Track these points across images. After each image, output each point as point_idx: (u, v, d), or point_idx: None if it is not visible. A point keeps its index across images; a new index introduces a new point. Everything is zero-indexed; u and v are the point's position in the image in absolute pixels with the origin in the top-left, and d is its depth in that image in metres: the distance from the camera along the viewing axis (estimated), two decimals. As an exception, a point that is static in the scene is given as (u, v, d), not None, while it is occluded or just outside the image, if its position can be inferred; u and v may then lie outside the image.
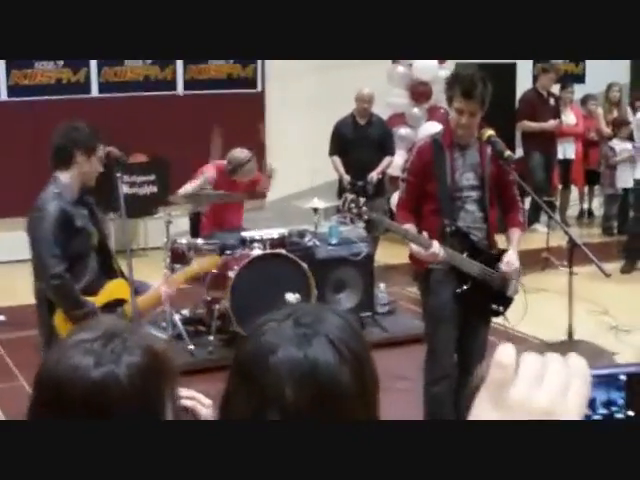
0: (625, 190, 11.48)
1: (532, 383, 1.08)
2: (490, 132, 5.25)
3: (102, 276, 4.99)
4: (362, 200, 5.05)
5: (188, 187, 7.97)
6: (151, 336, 1.76)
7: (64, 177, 4.95)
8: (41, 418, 1.60)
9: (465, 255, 5.27)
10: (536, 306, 6.67)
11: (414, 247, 5.18)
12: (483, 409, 1.11)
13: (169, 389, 1.65)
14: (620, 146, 11.60)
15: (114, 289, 4.99)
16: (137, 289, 5.03)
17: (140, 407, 1.58)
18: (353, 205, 5.00)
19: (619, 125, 11.91)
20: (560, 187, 12.53)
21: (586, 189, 13.25)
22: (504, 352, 1.09)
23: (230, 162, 8.11)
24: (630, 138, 11.04)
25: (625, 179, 11.32)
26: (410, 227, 5.22)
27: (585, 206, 13.35)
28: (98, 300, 4.89)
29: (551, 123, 11.80)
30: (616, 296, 8.40)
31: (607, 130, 12.28)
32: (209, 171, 8.12)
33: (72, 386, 1.57)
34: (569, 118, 12.37)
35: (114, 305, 4.92)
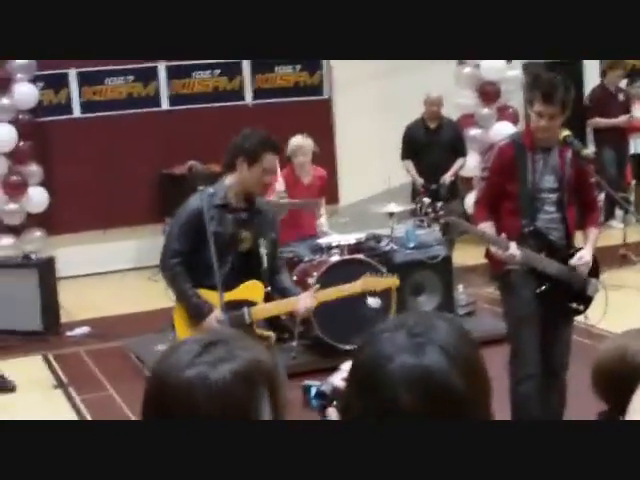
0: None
1: None
2: (566, 132, 5.23)
3: (241, 278, 5.03)
4: (439, 204, 5.08)
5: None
6: (257, 346, 1.81)
7: (227, 180, 5.10)
8: (150, 412, 1.70)
9: (543, 255, 5.27)
10: (616, 303, 6.63)
11: (492, 248, 5.20)
12: None
13: (266, 397, 1.70)
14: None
15: (245, 290, 5.05)
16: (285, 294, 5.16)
17: (229, 413, 1.64)
18: (430, 209, 5.04)
19: None
20: (634, 182, 12.40)
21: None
22: None
23: (288, 148, 8.09)
24: None
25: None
26: (487, 227, 5.24)
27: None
28: (226, 296, 4.95)
29: (622, 119, 11.72)
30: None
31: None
32: (279, 184, 8.13)
33: (167, 382, 1.66)
34: (639, 112, 12.25)
35: (241, 304, 5.01)
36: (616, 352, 1.58)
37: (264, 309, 5.06)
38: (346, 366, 1.92)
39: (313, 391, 2.00)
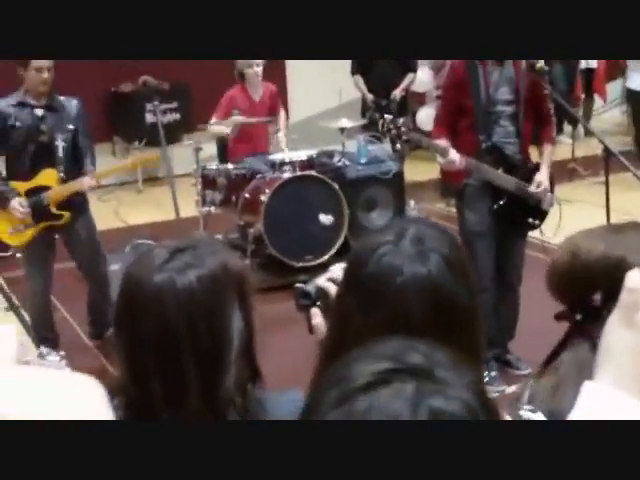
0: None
1: None
2: (521, 45, 5.23)
3: (41, 167, 5.85)
4: (400, 120, 5.09)
5: (217, 119, 7.91)
6: (226, 251, 1.83)
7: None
8: (122, 315, 1.76)
9: (501, 170, 5.31)
10: (567, 217, 6.69)
11: (439, 159, 5.27)
12: (616, 329, 1.18)
13: (235, 301, 1.72)
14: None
15: (42, 177, 5.87)
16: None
17: (197, 317, 1.68)
18: (392, 126, 5.05)
19: None
20: (583, 97, 12.44)
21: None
22: (634, 278, 1.17)
23: (237, 64, 8.00)
24: None
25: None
26: (442, 142, 5.27)
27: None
28: (25, 185, 5.84)
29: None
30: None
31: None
32: (232, 99, 8.01)
33: (137, 287, 1.72)
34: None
35: (39, 190, 5.84)
36: (568, 251, 1.59)
37: (57, 192, 5.85)
38: (335, 267, 1.92)
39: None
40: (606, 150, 5.36)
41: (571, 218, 6.92)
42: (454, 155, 5.14)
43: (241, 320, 1.74)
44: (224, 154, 8.19)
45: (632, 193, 7.41)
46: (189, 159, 7.71)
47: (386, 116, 5.19)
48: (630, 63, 10.02)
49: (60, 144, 5.83)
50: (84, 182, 5.86)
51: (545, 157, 5.50)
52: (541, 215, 5.55)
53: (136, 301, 1.71)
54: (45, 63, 5.72)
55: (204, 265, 1.71)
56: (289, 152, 7.87)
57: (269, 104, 8.14)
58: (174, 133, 9.90)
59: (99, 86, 10.97)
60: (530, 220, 5.52)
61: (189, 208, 7.50)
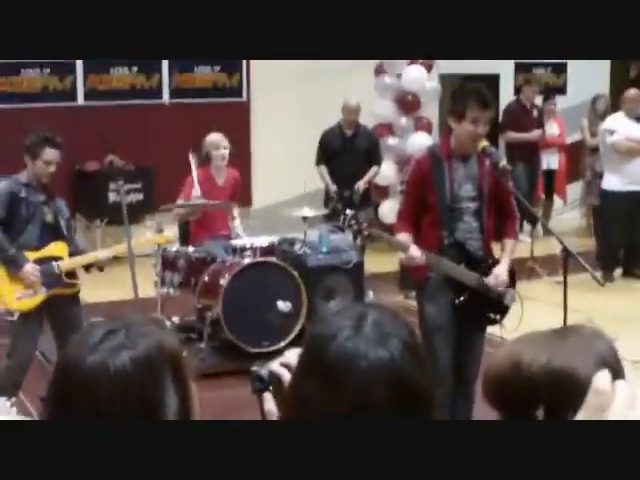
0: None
1: (627, 406, 1.18)
2: (485, 143, 5.31)
3: (48, 241, 6.12)
4: (362, 215, 5.14)
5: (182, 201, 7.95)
6: (162, 331, 1.81)
7: (21, 176, 6.12)
8: (54, 398, 1.73)
9: (463, 266, 5.34)
10: (526, 315, 6.72)
11: (400, 254, 5.29)
12: None
13: (170, 383, 1.70)
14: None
15: (52, 248, 6.14)
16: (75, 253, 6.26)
17: (130, 400, 1.65)
18: (354, 221, 5.09)
19: None
20: (543, 197, 12.64)
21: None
22: (602, 380, 1.20)
23: (204, 146, 8.09)
24: None
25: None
26: (403, 237, 5.30)
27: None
28: (34, 254, 6.06)
29: (534, 133, 11.90)
30: (599, 305, 8.48)
31: (592, 141, 12.35)
32: (195, 189, 8.03)
33: (71, 368, 1.69)
34: (552, 129, 12.49)
35: (49, 260, 6.09)
36: (510, 361, 1.58)
37: (69, 262, 6.18)
38: (290, 352, 1.92)
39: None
40: (565, 250, 5.41)
41: (528, 317, 6.96)
42: (415, 251, 5.15)
43: (177, 401, 1.72)
44: (186, 236, 8.20)
45: (590, 294, 7.51)
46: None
47: (347, 211, 5.23)
48: (605, 165, 10.23)
49: (63, 223, 6.20)
50: (97, 253, 6.39)
51: (506, 251, 5.53)
52: (502, 310, 5.56)
53: (69, 382, 1.68)
54: (55, 157, 6.08)
55: (138, 346, 1.69)
56: (250, 238, 7.89)
57: (230, 190, 8.19)
58: (136, 213, 9.90)
59: (63, 163, 10.93)
60: (491, 315, 5.53)
61: (148, 289, 7.46)
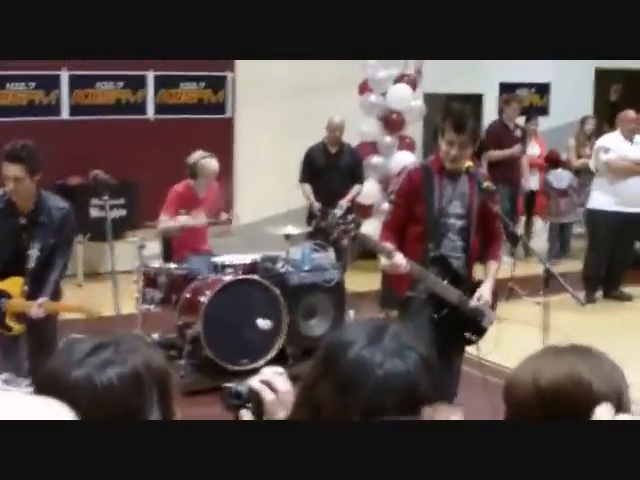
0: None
1: None
2: (469, 163, 5.34)
3: (13, 271, 5.68)
4: (350, 217, 5.10)
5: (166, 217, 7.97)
6: (149, 349, 1.82)
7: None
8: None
9: (446, 282, 5.35)
10: (504, 336, 6.74)
11: (383, 261, 5.24)
12: None
13: (155, 402, 1.72)
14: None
15: (7, 283, 5.70)
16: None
17: (114, 416, 1.65)
18: (341, 221, 5.03)
19: None
20: (524, 218, 12.68)
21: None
22: (602, 413, 1.25)
23: (189, 164, 8.11)
24: None
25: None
26: (388, 244, 5.26)
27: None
28: None
29: (515, 148, 11.80)
30: (580, 325, 8.50)
31: (578, 163, 12.39)
32: (179, 196, 8.09)
33: (55, 380, 1.69)
34: (534, 149, 12.54)
35: (2, 294, 5.68)
36: (564, 373, 1.64)
37: (15, 304, 5.67)
38: (266, 370, 1.94)
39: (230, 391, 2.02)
40: (547, 271, 5.44)
41: (506, 337, 6.99)
42: (400, 259, 5.11)
43: (161, 419, 1.72)
44: (168, 253, 8.20)
45: (570, 314, 7.52)
46: (132, 256, 7.71)
47: (335, 210, 5.21)
48: (596, 184, 10.26)
49: (34, 254, 5.68)
50: (32, 311, 5.66)
51: (489, 273, 5.56)
52: (479, 331, 5.58)
53: (52, 393, 1.69)
54: (13, 172, 5.52)
55: (125, 363, 1.69)
56: (232, 255, 7.90)
57: (212, 202, 8.24)
58: (119, 229, 9.86)
59: (45, 178, 10.91)
60: (468, 335, 5.55)
61: (129, 305, 7.46)
